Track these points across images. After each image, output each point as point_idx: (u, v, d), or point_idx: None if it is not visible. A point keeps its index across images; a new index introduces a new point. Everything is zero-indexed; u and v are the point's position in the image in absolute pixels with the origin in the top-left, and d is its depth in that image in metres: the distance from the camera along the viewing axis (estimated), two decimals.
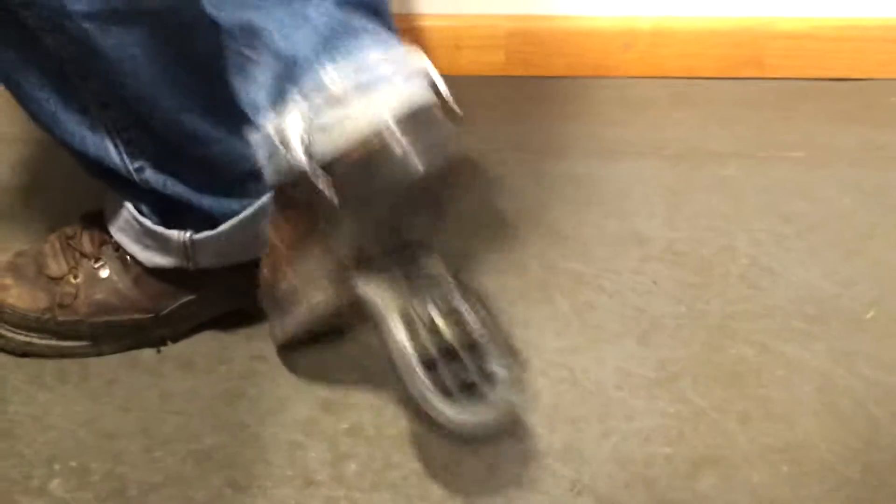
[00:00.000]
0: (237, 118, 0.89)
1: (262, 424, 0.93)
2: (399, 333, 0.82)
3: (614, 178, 1.27)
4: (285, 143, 0.78)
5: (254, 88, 0.80)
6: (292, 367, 0.98)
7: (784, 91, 1.46)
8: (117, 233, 0.97)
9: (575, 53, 1.48)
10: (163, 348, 1.00)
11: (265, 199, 0.92)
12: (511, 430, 0.92)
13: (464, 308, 0.85)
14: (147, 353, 1.00)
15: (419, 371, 0.82)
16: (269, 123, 0.79)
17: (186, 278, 0.97)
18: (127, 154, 0.90)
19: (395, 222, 0.81)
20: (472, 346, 0.84)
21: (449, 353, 0.83)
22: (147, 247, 0.96)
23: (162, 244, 0.95)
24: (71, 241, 1.00)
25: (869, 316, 1.05)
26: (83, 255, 0.99)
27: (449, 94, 0.81)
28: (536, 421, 0.93)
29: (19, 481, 0.87)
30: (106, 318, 0.97)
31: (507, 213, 1.20)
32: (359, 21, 0.79)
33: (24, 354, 0.99)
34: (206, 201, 0.93)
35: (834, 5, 1.45)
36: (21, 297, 0.98)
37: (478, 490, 0.87)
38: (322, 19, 0.78)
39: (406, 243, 0.85)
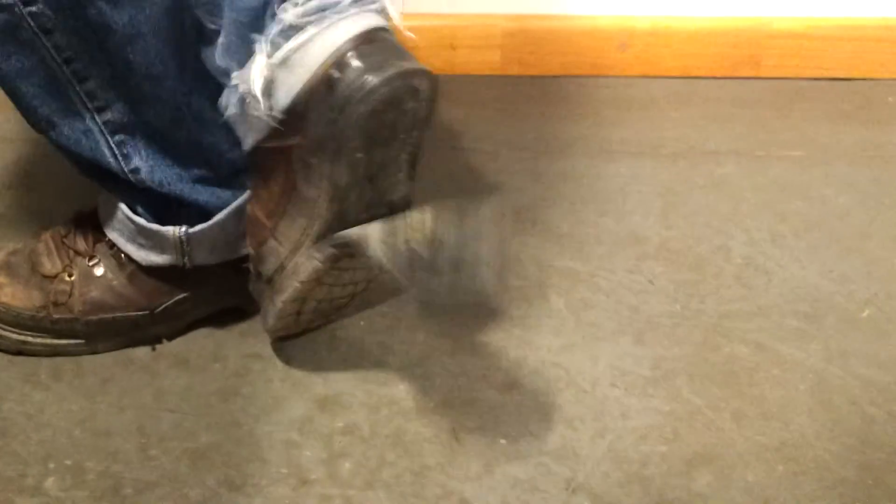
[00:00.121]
0: None
1: (257, 423, 0.93)
2: (381, 241, 0.84)
3: (611, 177, 1.27)
4: (251, 90, 0.80)
5: (225, 54, 0.82)
6: (287, 366, 0.98)
7: (781, 90, 1.46)
8: (112, 232, 0.97)
9: (572, 53, 1.48)
10: (157, 346, 1.00)
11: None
12: (505, 430, 0.92)
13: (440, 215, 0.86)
14: (142, 351, 1.00)
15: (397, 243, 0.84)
16: (236, 79, 0.82)
17: (181, 276, 0.97)
18: (121, 155, 0.90)
19: (371, 167, 0.82)
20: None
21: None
22: (142, 245, 0.96)
23: (157, 242, 0.95)
24: (65, 240, 0.99)
25: (864, 315, 1.05)
26: (77, 253, 0.99)
27: (401, 23, 0.85)
28: (531, 419, 0.93)
29: (14, 480, 0.87)
30: (100, 315, 0.97)
31: (503, 211, 1.19)
32: None
33: (19, 353, 0.98)
34: (202, 196, 0.93)
35: (831, 5, 1.45)
36: (15, 296, 0.98)
37: (472, 489, 0.87)
38: None
39: (386, 203, 0.86)
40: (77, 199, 1.02)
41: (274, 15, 0.80)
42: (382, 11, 0.83)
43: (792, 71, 1.48)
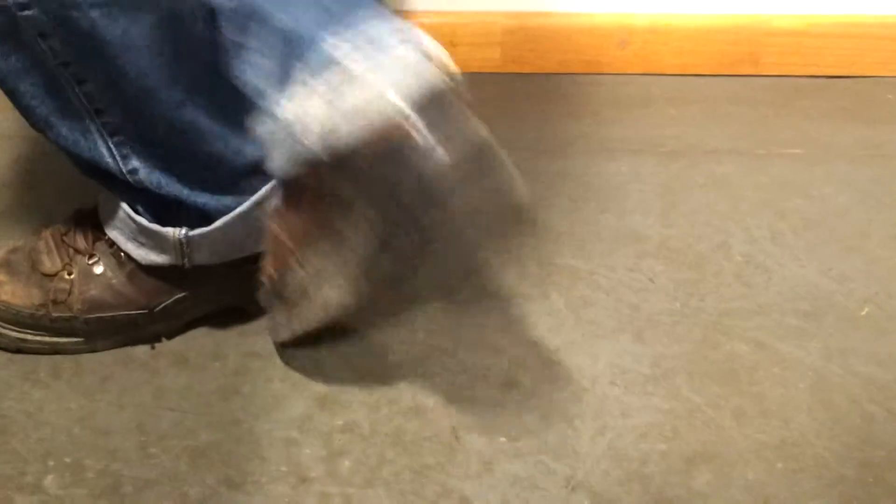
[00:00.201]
0: (236, 113, 0.89)
1: (257, 421, 0.92)
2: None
3: (610, 175, 1.27)
4: (304, 130, 0.75)
5: (258, 74, 0.78)
6: (287, 365, 0.98)
7: (780, 88, 1.46)
8: (112, 231, 0.97)
9: (571, 50, 1.48)
10: (157, 345, 1.00)
11: (260, 193, 0.92)
12: (505, 429, 0.92)
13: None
14: (141, 350, 1.00)
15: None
16: (283, 110, 0.77)
17: (181, 275, 0.97)
18: (120, 156, 0.89)
19: (417, 212, 0.79)
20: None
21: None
22: (142, 244, 0.96)
23: (157, 242, 0.95)
24: (65, 238, 0.99)
25: (864, 313, 1.05)
26: (77, 251, 0.98)
27: (455, 69, 0.79)
28: (531, 417, 0.93)
29: (13, 477, 0.87)
30: (100, 314, 0.97)
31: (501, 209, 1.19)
32: None
33: (18, 350, 0.98)
34: (202, 199, 0.93)
35: (830, 3, 1.45)
36: (15, 294, 0.98)
37: (472, 487, 0.87)
38: None
39: (418, 229, 0.82)
40: (77, 197, 1.02)
41: (312, 37, 0.76)
42: (422, 45, 0.78)
43: (791, 69, 1.48)
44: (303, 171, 0.78)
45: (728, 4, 1.46)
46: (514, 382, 0.97)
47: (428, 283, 1.03)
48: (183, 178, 0.91)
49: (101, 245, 0.98)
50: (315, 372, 0.97)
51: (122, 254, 0.97)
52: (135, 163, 0.90)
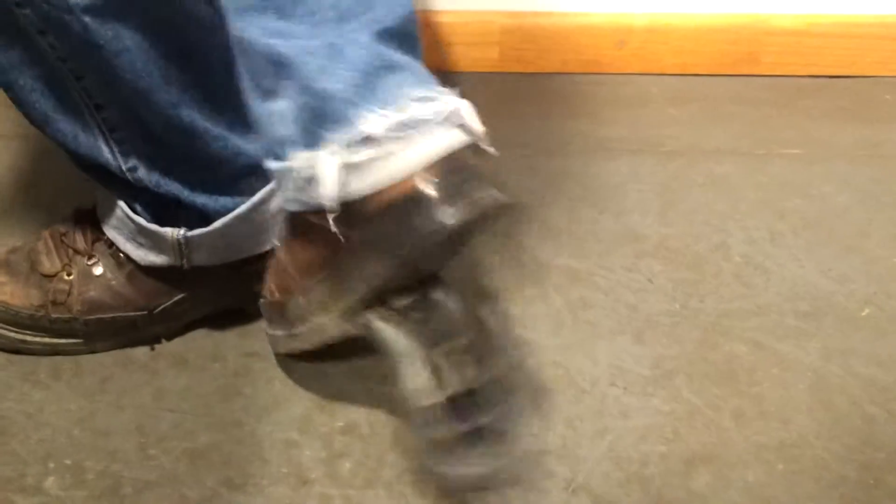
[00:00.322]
0: (234, 114, 0.89)
1: (257, 422, 0.92)
2: (409, 383, 0.81)
3: (609, 174, 1.27)
4: (317, 178, 0.76)
5: (282, 122, 0.78)
6: (287, 366, 0.98)
7: (780, 88, 1.46)
8: (111, 231, 0.97)
9: (570, 50, 1.48)
10: (156, 346, 1.00)
11: (259, 195, 0.92)
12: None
13: (475, 357, 0.83)
14: (141, 351, 0.99)
15: (424, 420, 0.81)
16: (298, 156, 0.77)
17: (180, 276, 0.96)
18: (119, 153, 0.89)
19: (418, 264, 0.79)
20: (475, 397, 0.83)
21: (453, 401, 0.82)
22: (141, 245, 0.96)
23: (156, 242, 0.94)
24: (64, 238, 0.99)
25: (864, 313, 1.06)
26: (76, 252, 0.98)
27: (484, 135, 0.79)
28: (531, 419, 0.93)
29: (14, 479, 0.87)
30: (99, 315, 0.97)
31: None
32: (395, 54, 0.77)
33: (17, 352, 0.98)
34: (200, 199, 0.93)
35: (830, 2, 1.45)
36: (14, 294, 0.97)
37: (472, 489, 0.87)
38: (359, 54, 0.75)
39: (421, 277, 0.83)
40: (76, 197, 1.02)
41: (349, 110, 0.75)
42: (465, 125, 0.78)
43: (791, 68, 1.48)
44: (309, 212, 0.78)
45: (727, 4, 1.46)
46: (514, 384, 0.97)
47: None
48: (182, 178, 0.91)
49: (100, 245, 0.98)
50: (315, 373, 0.97)
51: (122, 254, 0.97)
52: (134, 160, 0.90)
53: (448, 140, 0.76)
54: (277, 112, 0.78)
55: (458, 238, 0.80)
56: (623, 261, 1.12)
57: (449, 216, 0.75)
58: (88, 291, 0.97)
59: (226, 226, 0.93)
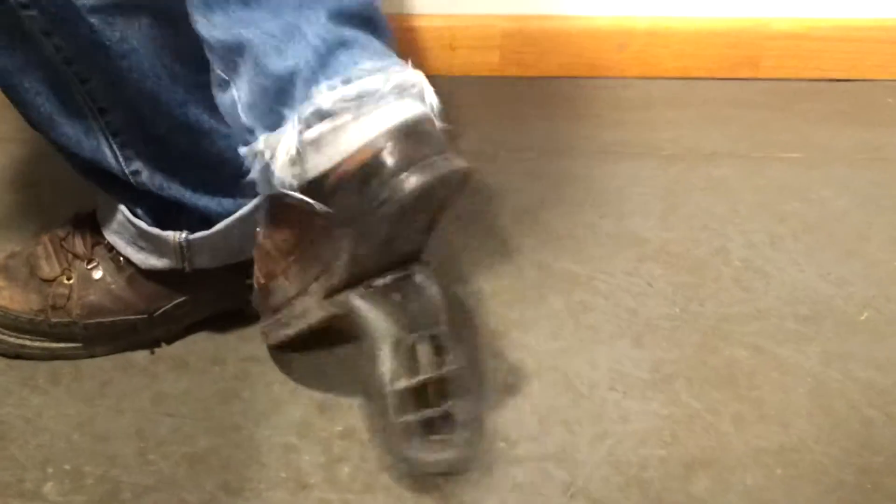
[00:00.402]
0: None
1: (256, 426, 0.92)
2: (384, 366, 0.83)
3: (609, 178, 1.27)
4: (275, 158, 0.78)
5: (242, 107, 0.80)
6: (286, 369, 0.98)
7: (780, 92, 1.46)
8: (111, 235, 0.97)
9: (570, 54, 1.48)
10: (156, 350, 1.00)
11: (261, 197, 0.92)
12: (504, 434, 0.92)
13: (448, 344, 0.85)
14: (140, 355, 0.99)
15: (391, 404, 0.83)
16: (259, 138, 0.79)
17: (180, 279, 0.97)
18: (123, 157, 0.89)
19: (391, 238, 0.81)
20: (442, 385, 0.85)
21: (420, 388, 0.84)
22: (142, 248, 0.96)
23: (157, 246, 0.95)
24: (63, 243, 0.99)
25: (863, 317, 1.05)
26: (76, 256, 0.98)
27: (439, 109, 0.81)
28: (530, 423, 0.93)
29: (12, 484, 0.87)
30: (99, 319, 0.97)
31: (501, 213, 1.20)
32: (351, 32, 0.78)
33: (17, 356, 0.98)
34: (203, 201, 0.93)
35: (830, 6, 1.45)
36: (13, 299, 0.97)
37: (471, 493, 0.87)
38: (315, 33, 0.77)
39: (400, 256, 0.84)
40: (75, 200, 1.02)
41: (304, 87, 0.77)
42: (421, 96, 0.80)
43: (791, 72, 1.48)
44: (279, 193, 0.80)
45: (727, 8, 1.46)
46: (513, 387, 0.97)
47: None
48: (185, 180, 0.92)
49: (100, 249, 0.98)
50: (314, 377, 0.97)
51: (121, 258, 0.97)
52: (137, 164, 0.90)
53: (401, 110, 0.77)
54: (237, 98, 0.80)
55: (424, 209, 0.81)
56: (623, 265, 1.12)
57: (406, 182, 0.76)
58: (88, 295, 0.97)
59: (228, 228, 0.93)
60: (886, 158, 1.31)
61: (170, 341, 1.01)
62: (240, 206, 0.93)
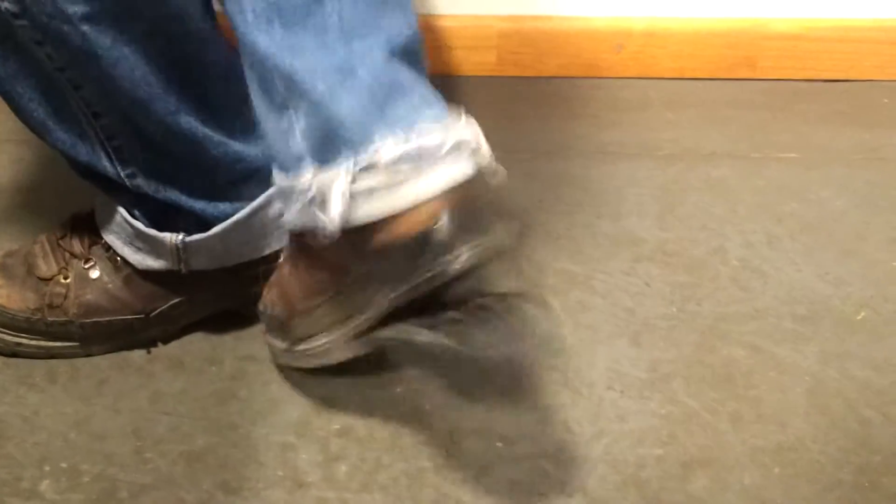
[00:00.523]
0: (234, 120, 0.89)
1: (253, 426, 0.92)
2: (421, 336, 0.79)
3: (607, 178, 1.27)
4: (324, 200, 0.74)
5: (292, 138, 0.76)
6: (283, 369, 0.98)
7: (777, 92, 1.46)
8: (108, 235, 0.97)
9: (568, 54, 1.48)
10: (153, 349, 1.00)
11: (258, 201, 0.92)
12: (502, 433, 0.92)
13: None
14: (137, 354, 0.99)
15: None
16: (308, 175, 0.75)
17: (177, 280, 0.96)
18: (118, 161, 0.89)
19: (422, 291, 0.77)
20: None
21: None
22: (139, 249, 0.96)
23: (154, 247, 0.94)
24: (61, 242, 0.99)
25: (860, 317, 1.05)
26: (73, 255, 0.98)
27: (493, 163, 0.77)
28: (528, 422, 0.93)
29: (9, 482, 0.87)
30: (96, 318, 0.97)
31: (499, 213, 1.19)
32: (406, 75, 0.75)
33: (14, 355, 0.98)
34: (199, 204, 0.93)
35: (827, 6, 1.45)
36: (10, 298, 0.97)
37: (469, 492, 0.87)
38: (371, 75, 0.74)
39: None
40: (73, 201, 1.02)
41: (361, 132, 0.73)
42: (477, 151, 0.76)
43: (788, 72, 1.48)
44: (313, 234, 0.77)
45: (725, 8, 1.46)
46: (512, 387, 0.97)
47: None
48: (181, 184, 0.91)
49: (97, 249, 0.98)
50: (311, 376, 0.97)
51: (119, 258, 0.97)
52: (132, 167, 0.90)
53: (459, 170, 0.74)
54: (287, 128, 0.76)
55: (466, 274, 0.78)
56: (621, 264, 1.12)
57: (456, 261, 0.74)
58: (85, 295, 0.97)
59: (225, 231, 0.93)
60: (884, 159, 1.31)
61: (166, 341, 1.01)
62: (237, 210, 0.92)
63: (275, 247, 0.95)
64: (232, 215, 0.92)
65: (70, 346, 0.98)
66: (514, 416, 0.94)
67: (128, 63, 0.82)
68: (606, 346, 1.02)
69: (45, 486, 0.87)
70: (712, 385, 0.97)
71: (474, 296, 0.80)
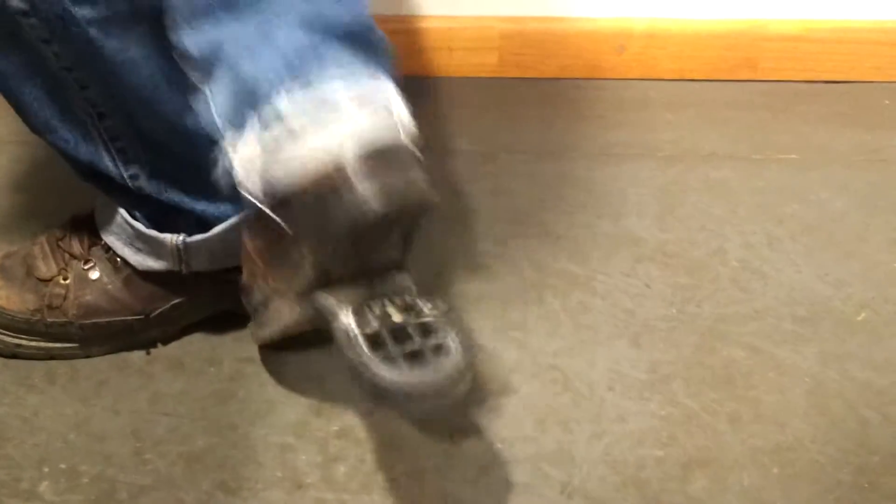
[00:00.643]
0: None
1: (253, 426, 0.92)
2: (345, 318, 0.77)
3: (608, 179, 1.27)
4: (245, 175, 0.76)
5: (219, 114, 0.79)
6: (282, 370, 0.98)
7: (778, 93, 1.46)
8: (108, 236, 0.97)
9: (569, 55, 1.48)
10: (152, 350, 1.00)
11: None
12: (502, 434, 0.92)
13: (420, 301, 0.80)
14: (136, 355, 0.99)
15: (361, 343, 0.75)
16: (228, 147, 0.78)
17: (176, 281, 0.96)
18: (121, 161, 0.89)
19: (359, 250, 0.78)
20: (424, 327, 0.78)
21: (398, 332, 0.77)
22: (139, 250, 0.96)
23: (154, 248, 0.94)
24: (60, 243, 0.99)
25: (860, 318, 1.05)
26: (73, 256, 0.98)
27: (414, 131, 0.78)
28: (527, 423, 0.93)
29: (8, 484, 0.87)
30: (95, 319, 0.97)
31: (499, 213, 1.20)
32: (326, 46, 0.77)
33: (13, 356, 0.98)
34: (200, 205, 0.93)
35: (827, 8, 1.45)
36: (10, 299, 0.97)
37: (468, 492, 0.87)
38: (288, 42, 0.76)
39: (376, 267, 0.81)
40: (73, 202, 1.02)
41: (268, 91, 0.75)
42: (388, 107, 0.77)
43: (788, 74, 1.48)
44: (249, 200, 0.79)
45: (725, 10, 1.46)
46: (511, 387, 0.97)
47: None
48: (183, 185, 0.91)
49: (96, 250, 0.98)
50: (310, 377, 0.97)
51: (119, 259, 0.97)
52: (135, 168, 0.90)
53: (366, 125, 0.75)
54: (215, 105, 0.79)
55: (393, 228, 0.79)
56: (621, 265, 1.12)
57: (366, 208, 0.73)
58: (84, 296, 0.97)
59: (225, 232, 0.93)
60: (884, 160, 1.31)
61: (166, 342, 1.01)
62: (238, 211, 0.92)
63: None
64: (233, 216, 0.92)
65: (69, 348, 0.98)
66: (513, 416, 0.94)
67: (134, 64, 0.82)
68: (606, 347, 1.01)
69: (44, 487, 0.87)
70: (712, 386, 0.97)
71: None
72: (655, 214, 1.20)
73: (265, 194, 0.77)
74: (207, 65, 0.78)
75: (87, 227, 0.99)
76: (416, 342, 0.77)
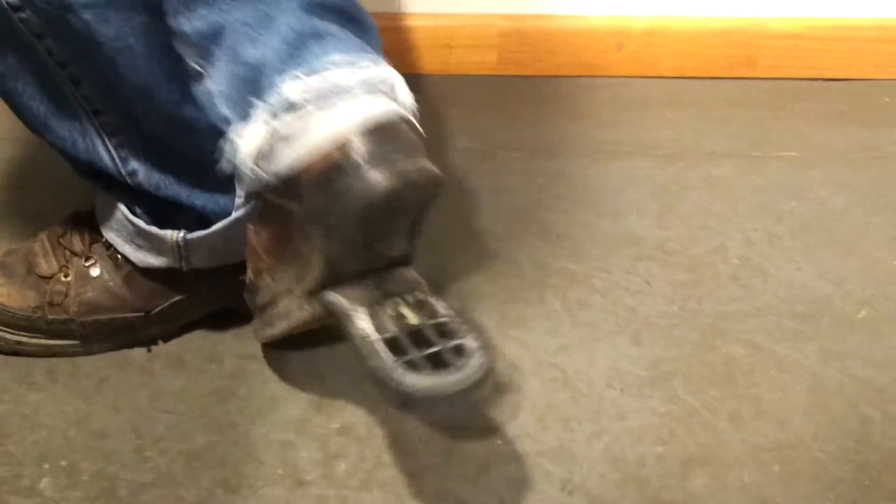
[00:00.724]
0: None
1: (253, 424, 0.92)
2: (362, 322, 0.78)
3: (607, 177, 1.27)
4: (252, 155, 0.77)
5: (219, 99, 0.80)
6: (283, 367, 0.98)
7: (777, 91, 1.46)
8: (109, 233, 0.97)
9: (568, 53, 1.48)
10: (153, 347, 1.00)
11: None
12: (502, 431, 0.92)
13: (432, 300, 0.81)
14: (137, 352, 0.99)
15: (381, 350, 0.76)
16: (233, 134, 0.79)
17: (177, 278, 0.96)
18: (119, 158, 0.89)
19: (368, 239, 0.79)
20: (440, 327, 0.79)
21: (415, 334, 0.78)
22: (140, 247, 0.96)
23: (155, 244, 0.94)
24: (61, 240, 0.99)
25: (861, 315, 1.05)
26: (73, 253, 0.98)
27: (412, 108, 0.79)
28: (528, 420, 0.93)
29: (9, 480, 0.87)
30: (96, 316, 0.97)
31: (499, 212, 1.20)
32: (326, 26, 0.78)
33: (14, 353, 0.98)
34: (200, 201, 0.93)
35: (827, 6, 1.45)
36: (11, 296, 0.97)
37: (469, 490, 0.87)
38: (288, 23, 0.77)
39: (383, 261, 0.82)
40: (74, 199, 1.02)
41: (273, 77, 0.76)
42: (392, 92, 0.78)
43: (788, 71, 1.48)
44: (258, 189, 0.80)
45: (725, 7, 1.46)
46: (511, 385, 0.97)
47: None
48: (182, 179, 0.91)
49: (97, 247, 0.98)
50: (311, 374, 0.97)
51: (119, 256, 0.97)
52: (134, 164, 0.90)
53: (372, 107, 0.76)
54: (212, 89, 0.80)
55: (397, 212, 0.79)
56: (621, 263, 1.12)
57: (370, 184, 0.74)
58: (85, 293, 0.97)
59: (226, 228, 0.93)
60: (884, 157, 1.31)
61: (167, 339, 1.01)
62: (238, 207, 0.92)
63: None
64: (233, 212, 0.92)
65: (70, 345, 0.98)
66: (513, 413, 0.94)
67: (131, 53, 0.82)
68: (606, 345, 1.02)
69: (44, 483, 0.87)
70: (712, 383, 0.97)
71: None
72: (655, 212, 1.20)
73: (274, 179, 0.77)
74: (207, 51, 0.79)
75: (88, 224, 0.99)
76: (436, 344, 0.77)
